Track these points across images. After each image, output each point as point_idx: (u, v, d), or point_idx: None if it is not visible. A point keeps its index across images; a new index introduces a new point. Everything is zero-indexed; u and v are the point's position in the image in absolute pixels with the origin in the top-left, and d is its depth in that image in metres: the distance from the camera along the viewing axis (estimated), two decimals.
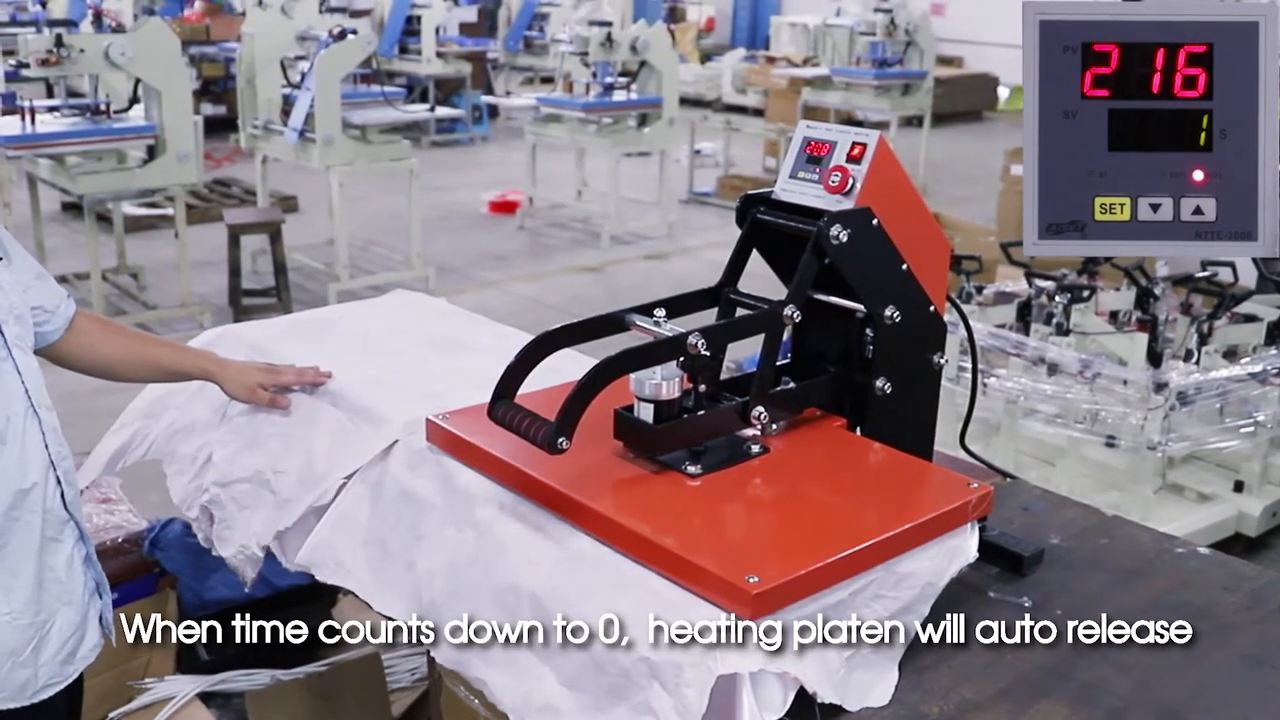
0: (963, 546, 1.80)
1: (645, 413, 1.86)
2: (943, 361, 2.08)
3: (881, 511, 1.81)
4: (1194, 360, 4.38)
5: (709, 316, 2.05)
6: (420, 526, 1.98)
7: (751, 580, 1.57)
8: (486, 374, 1.89)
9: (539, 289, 7.93)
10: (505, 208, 10.09)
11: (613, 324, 1.95)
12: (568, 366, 2.01)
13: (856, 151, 1.97)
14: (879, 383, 2.01)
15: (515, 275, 8.20)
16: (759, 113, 13.63)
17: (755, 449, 1.95)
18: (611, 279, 8.34)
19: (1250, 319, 4.75)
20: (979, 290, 4.93)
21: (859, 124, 10.91)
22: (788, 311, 1.90)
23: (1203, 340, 4.45)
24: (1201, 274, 4.95)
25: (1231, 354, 4.57)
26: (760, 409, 1.91)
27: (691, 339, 1.80)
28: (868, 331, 2.01)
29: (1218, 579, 1.94)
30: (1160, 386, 4.23)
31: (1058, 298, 4.62)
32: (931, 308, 2.05)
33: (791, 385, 2.06)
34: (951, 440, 2.33)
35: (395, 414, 2.16)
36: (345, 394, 2.29)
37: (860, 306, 1.99)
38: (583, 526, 1.77)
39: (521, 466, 1.83)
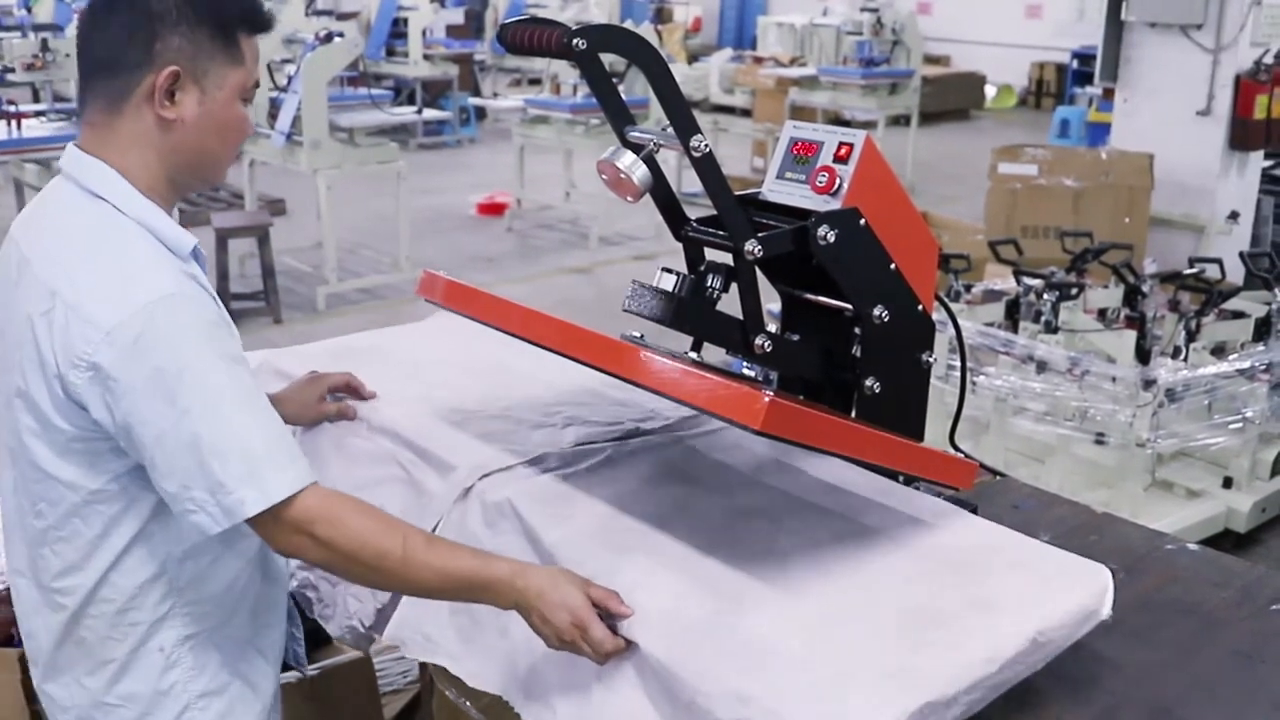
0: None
1: (668, 282, 1.89)
2: (931, 360, 2.08)
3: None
4: (1182, 357, 4.39)
5: None
6: None
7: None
8: (540, 403, 1.87)
9: (528, 291, 7.92)
10: (493, 209, 10.08)
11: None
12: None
13: (843, 151, 1.97)
14: (868, 382, 2.00)
15: (504, 277, 8.19)
16: (746, 113, 13.63)
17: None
18: (601, 280, 8.34)
19: (1238, 315, 4.76)
20: (967, 289, 4.93)
21: (846, 123, 10.93)
22: (749, 247, 1.86)
23: (1190, 337, 4.46)
24: (1189, 271, 4.96)
25: (1219, 350, 4.58)
26: (764, 337, 1.90)
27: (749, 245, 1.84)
28: (856, 331, 2.01)
29: (1208, 575, 1.95)
30: (1149, 383, 4.24)
31: (1046, 295, 4.62)
32: (919, 307, 2.04)
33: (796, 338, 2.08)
34: (941, 438, 2.33)
35: (460, 458, 2.07)
36: (405, 435, 2.17)
37: (848, 306, 1.99)
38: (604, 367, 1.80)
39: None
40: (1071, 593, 1.68)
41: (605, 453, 2.11)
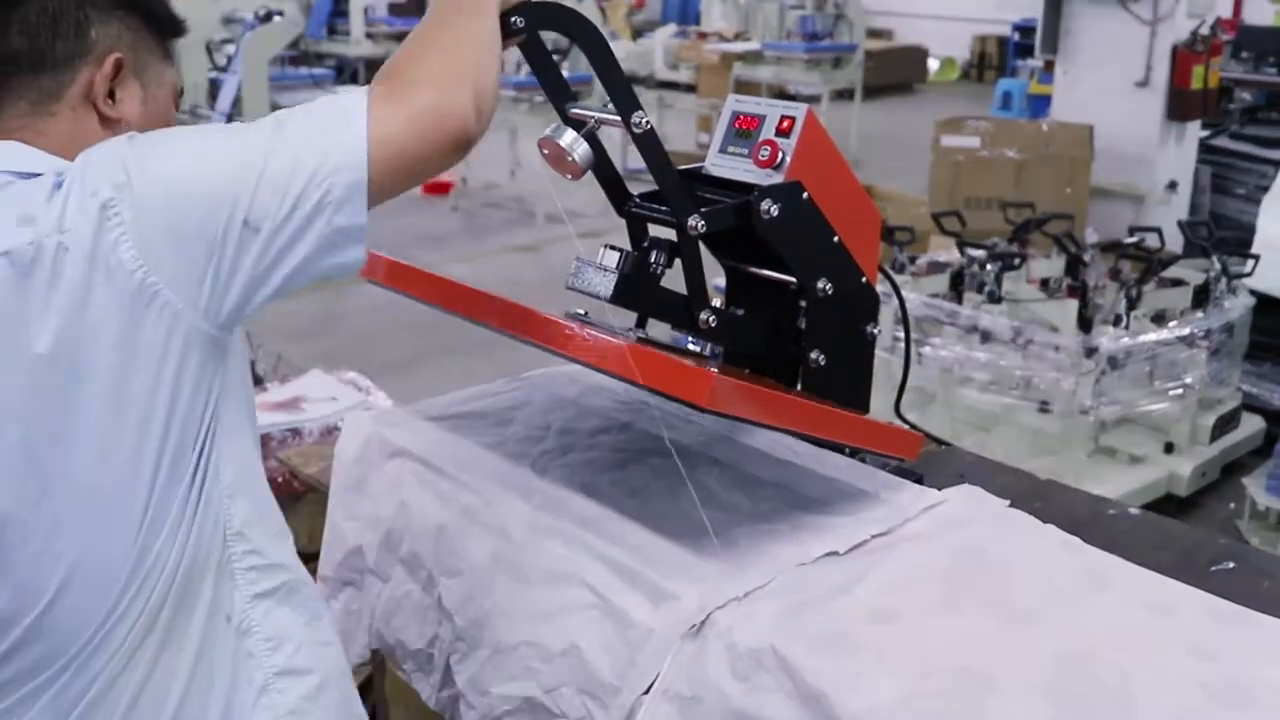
0: None
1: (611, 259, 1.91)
2: (876, 331, 2.09)
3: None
4: (1123, 325, 4.45)
5: None
6: None
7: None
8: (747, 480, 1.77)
9: (476, 270, 7.89)
10: (439, 189, 10.02)
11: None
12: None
13: (785, 125, 1.97)
14: (813, 354, 2.02)
15: (451, 256, 8.15)
16: (691, 88, 13.61)
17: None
18: (548, 258, 8.32)
19: (1177, 283, 4.82)
20: (912, 261, 4.96)
21: (791, 98, 10.94)
22: (691, 222, 1.87)
23: (1131, 305, 4.51)
24: (1129, 240, 5.02)
25: (1160, 318, 4.64)
26: (709, 313, 1.90)
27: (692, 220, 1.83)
28: (800, 304, 2.02)
29: (1149, 539, 1.97)
30: (1091, 351, 4.30)
31: (989, 266, 4.66)
32: (864, 279, 2.06)
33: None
34: (888, 409, 2.35)
35: (678, 584, 1.63)
36: (583, 537, 1.76)
37: (792, 279, 2.00)
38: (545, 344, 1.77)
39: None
40: None
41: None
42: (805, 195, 1.94)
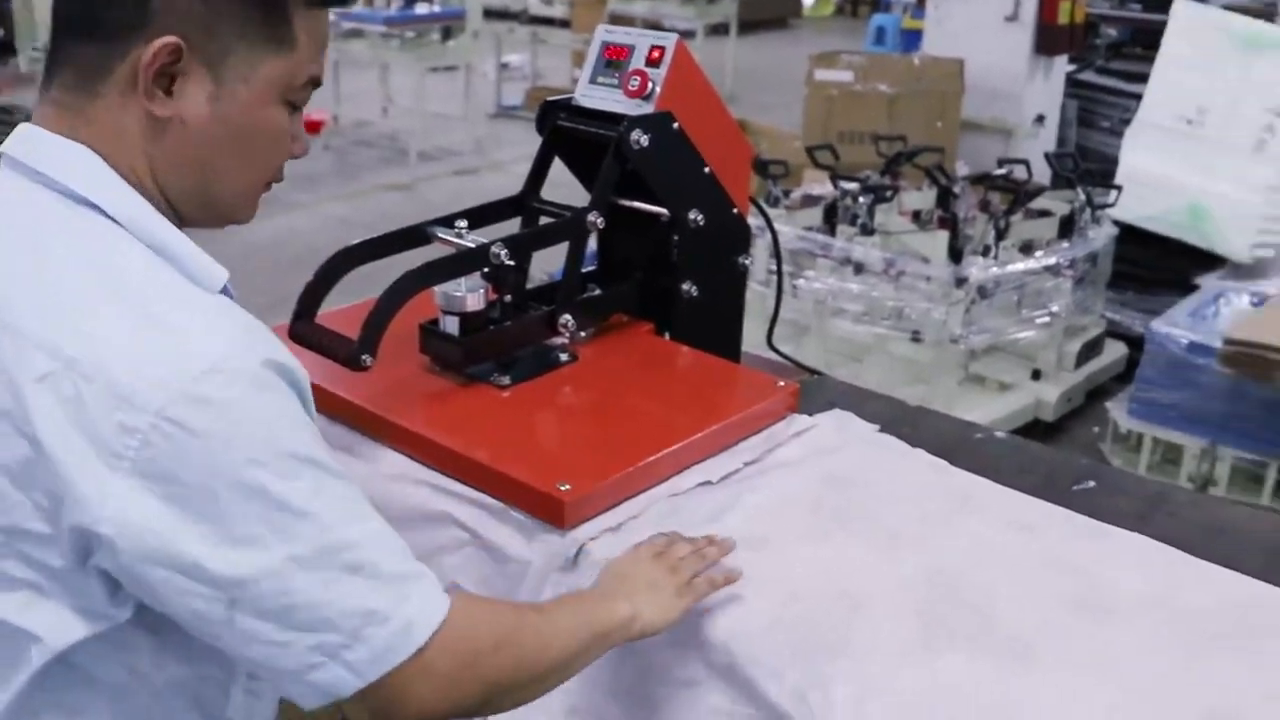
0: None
1: (451, 325, 1.84)
2: (747, 262, 2.10)
3: (691, 413, 1.83)
4: (992, 255, 4.52)
5: (514, 227, 2.04)
6: None
7: (563, 488, 1.57)
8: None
9: (349, 209, 7.76)
10: (309, 127, 9.71)
11: (414, 238, 1.92)
12: None
13: (655, 55, 1.96)
14: (685, 286, 2.02)
15: (324, 196, 8.00)
16: (565, 24, 13.47)
17: (565, 357, 1.95)
18: (422, 196, 8.20)
19: (1044, 214, 4.91)
20: (786, 194, 4.98)
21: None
22: (591, 218, 1.90)
23: (1000, 236, 4.59)
24: (998, 172, 5.09)
25: (1027, 248, 4.72)
26: (567, 316, 1.91)
27: (494, 249, 1.79)
28: (672, 236, 2.02)
29: (1015, 461, 2.02)
30: (961, 281, 4.37)
31: (862, 199, 4.70)
32: (735, 210, 2.06)
33: (598, 292, 2.06)
34: (763, 342, 2.37)
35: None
36: (449, 483, 1.69)
37: (664, 211, 1.99)
38: (393, 444, 1.75)
39: (327, 386, 1.77)
40: None
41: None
42: (675, 125, 1.94)
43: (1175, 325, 4.31)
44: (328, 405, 1.78)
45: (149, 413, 1.03)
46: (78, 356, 1.05)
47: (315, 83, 1.26)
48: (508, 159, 8.75)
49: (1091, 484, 1.93)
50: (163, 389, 1.04)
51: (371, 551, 1.12)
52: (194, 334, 1.08)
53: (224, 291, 1.20)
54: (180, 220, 1.22)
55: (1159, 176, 5.23)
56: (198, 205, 1.23)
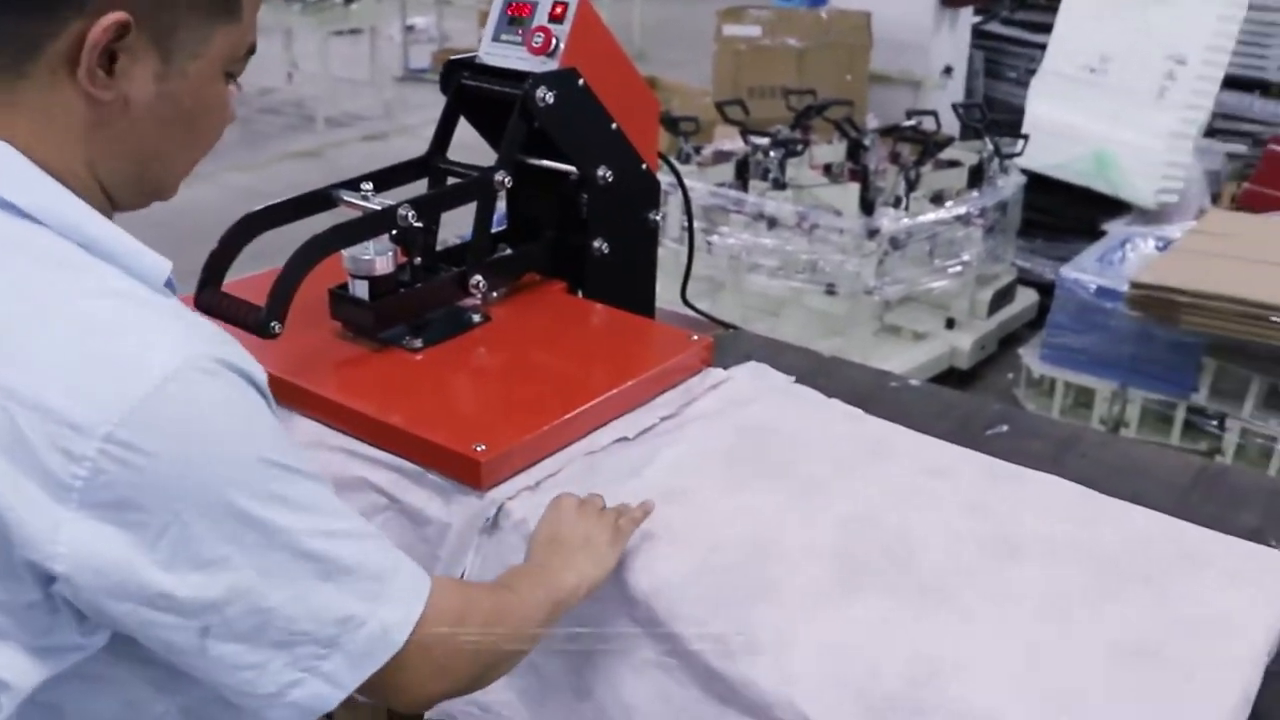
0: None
1: (360, 289, 1.82)
2: (658, 218, 2.10)
3: (606, 370, 1.83)
4: (903, 206, 4.55)
5: (421, 189, 2.01)
6: None
7: (479, 449, 1.56)
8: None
9: (255, 179, 7.63)
10: None
11: (320, 201, 1.89)
12: None
13: (558, 11, 1.94)
14: (596, 243, 2.01)
15: (228, 166, 7.85)
16: None
17: (477, 318, 1.93)
18: (331, 163, 8.09)
19: (953, 165, 4.95)
20: (698, 151, 4.97)
21: None
22: (498, 177, 1.88)
23: (911, 187, 4.62)
24: (907, 123, 5.12)
25: (938, 199, 4.76)
26: (478, 277, 1.89)
27: (401, 210, 1.76)
28: (581, 193, 2.01)
29: (929, 408, 2.04)
30: (873, 233, 4.40)
31: (773, 153, 4.71)
32: (644, 166, 2.06)
33: (508, 252, 2.05)
34: (679, 299, 2.36)
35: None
36: (363, 448, 1.67)
37: (572, 168, 1.98)
38: (307, 411, 1.73)
39: None
40: (1267, 593, 1.44)
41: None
42: (581, 82, 1.92)
43: (1084, 271, 4.37)
44: None
45: (95, 438, 0.95)
46: (13, 384, 0.97)
47: (253, 50, 1.19)
48: (417, 123, 8.65)
49: (1004, 428, 1.95)
50: (108, 410, 0.96)
51: (344, 555, 1.07)
52: (138, 346, 1.00)
53: (168, 284, 1.13)
54: (110, 202, 1.14)
55: (1064, 125, 5.30)
56: (132, 189, 1.15)
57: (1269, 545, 1.56)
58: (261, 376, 1.09)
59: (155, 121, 1.10)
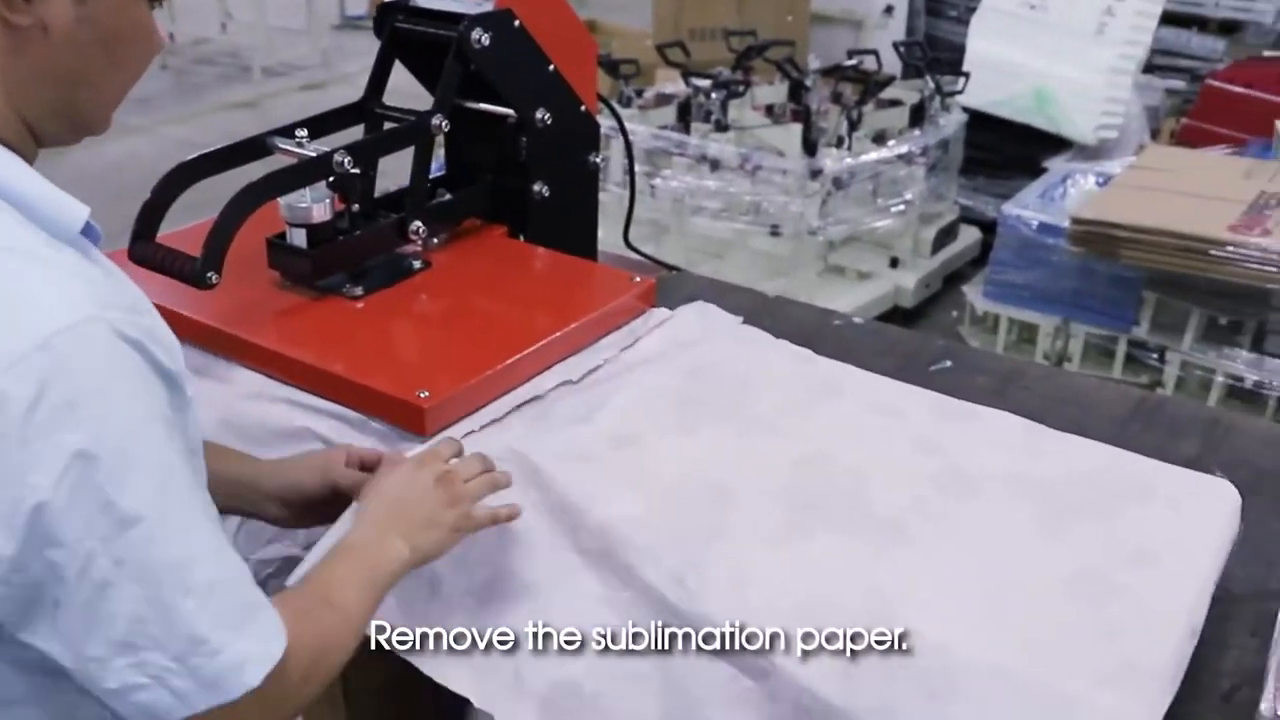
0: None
1: (298, 238, 1.79)
2: (598, 161, 2.08)
3: (549, 313, 1.81)
4: (846, 146, 4.55)
5: (358, 134, 1.98)
6: None
7: (422, 395, 1.55)
8: None
9: (191, 131, 7.51)
10: None
11: (255, 149, 1.86)
12: None
13: None
14: (536, 187, 1.99)
15: (163, 119, 7.72)
16: None
17: (417, 265, 1.91)
18: (268, 113, 7.96)
19: (895, 104, 4.95)
20: (639, 94, 4.94)
21: None
22: (435, 121, 1.85)
23: (853, 127, 4.61)
24: (849, 63, 5.11)
25: (880, 138, 4.76)
26: (417, 223, 1.87)
27: (338, 157, 1.73)
28: (520, 137, 1.98)
29: (873, 345, 2.04)
30: (816, 174, 4.39)
31: (715, 95, 4.69)
32: (583, 107, 2.03)
33: (448, 197, 2.02)
34: (622, 242, 2.35)
35: None
36: (305, 397, 1.65)
37: (510, 111, 1.95)
38: (248, 362, 1.71)
39: (174, 307, 1.68)
40: (1211, 520, 1.46)
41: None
42: (517, 23, 1.90)
43: (1025, 208, 4.39)
44: (177, 327, 1.70)
45: None
46: None
47: None
48: (355, 71, 8.51)
49: (948, 364, 1.96)
50: None
51: (209, 573, 1.00)
52: (25, 305, 0.94)
53: (87, 231, 1.08)
54: (35, 139, 1.09)
55: (1004, 62, 5.31)
56: (59, 121, 1.09)
57: (1211, 473, 1.57)
58: (167, 352, 1.05)
59: (76, 47, 1.05)
